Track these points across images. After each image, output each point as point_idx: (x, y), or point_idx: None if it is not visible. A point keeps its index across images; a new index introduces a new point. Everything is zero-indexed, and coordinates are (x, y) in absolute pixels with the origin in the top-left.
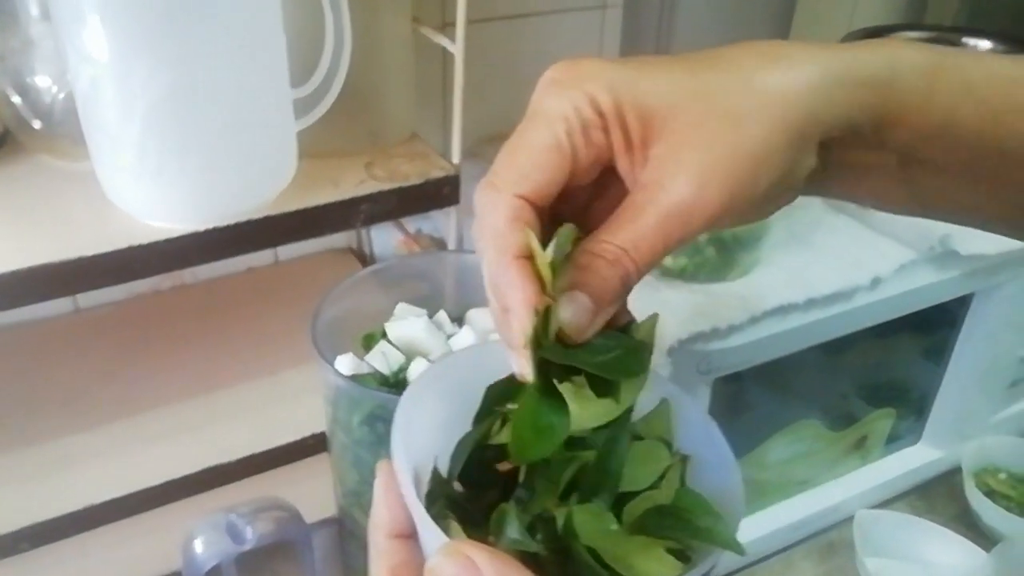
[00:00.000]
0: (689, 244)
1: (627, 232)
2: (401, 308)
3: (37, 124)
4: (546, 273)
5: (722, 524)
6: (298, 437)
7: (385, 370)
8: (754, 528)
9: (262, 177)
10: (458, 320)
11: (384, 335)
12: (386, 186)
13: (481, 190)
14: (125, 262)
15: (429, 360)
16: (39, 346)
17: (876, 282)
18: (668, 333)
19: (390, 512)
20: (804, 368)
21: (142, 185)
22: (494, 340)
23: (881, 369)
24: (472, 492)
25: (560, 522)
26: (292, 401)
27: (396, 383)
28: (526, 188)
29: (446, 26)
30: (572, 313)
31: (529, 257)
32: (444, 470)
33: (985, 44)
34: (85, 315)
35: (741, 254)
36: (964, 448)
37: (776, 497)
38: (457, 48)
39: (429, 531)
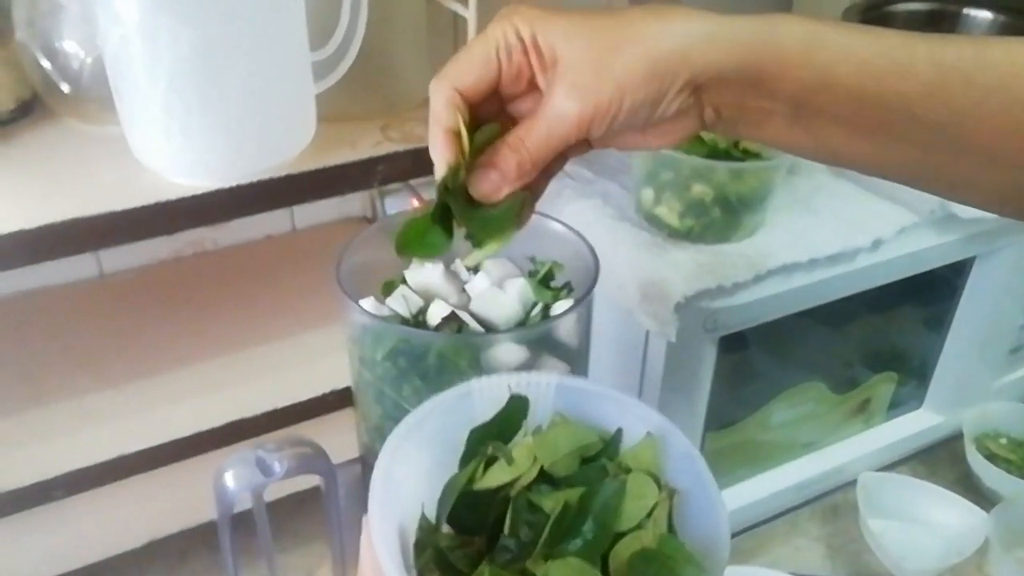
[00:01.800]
0: (696, 205)
1: (523, 129)
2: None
3: (66, 88)
4: (465, 145)
5: (702, 573)
6: (319, 393)
7: (405, 312)
8: (760, 489)
9: (283, 137)
10: (473, 268)
11: (404, 282)
12: (401, 147)
13: (432, 81)
14: (152, 218)
15: (448, 303)
16: (66, 309)
17: (877, 244)
18: (675, 290)
19: (375, 572)
20: (808, 336)
21: (168, 143)
22: (470, 388)
23: (883, 338)
24: (461, 538)
25: None
26: (312, 360)
27: (416, 324)
28: (460, 84)
29: None
30: (479, 180)
31: (456, 133)
32: (432, 515)
33: (987, 15)
34: (110, 280)
35: (746, 216)
36: (965, 413)
37: (781, 459)
38: (470, 12)
39: None
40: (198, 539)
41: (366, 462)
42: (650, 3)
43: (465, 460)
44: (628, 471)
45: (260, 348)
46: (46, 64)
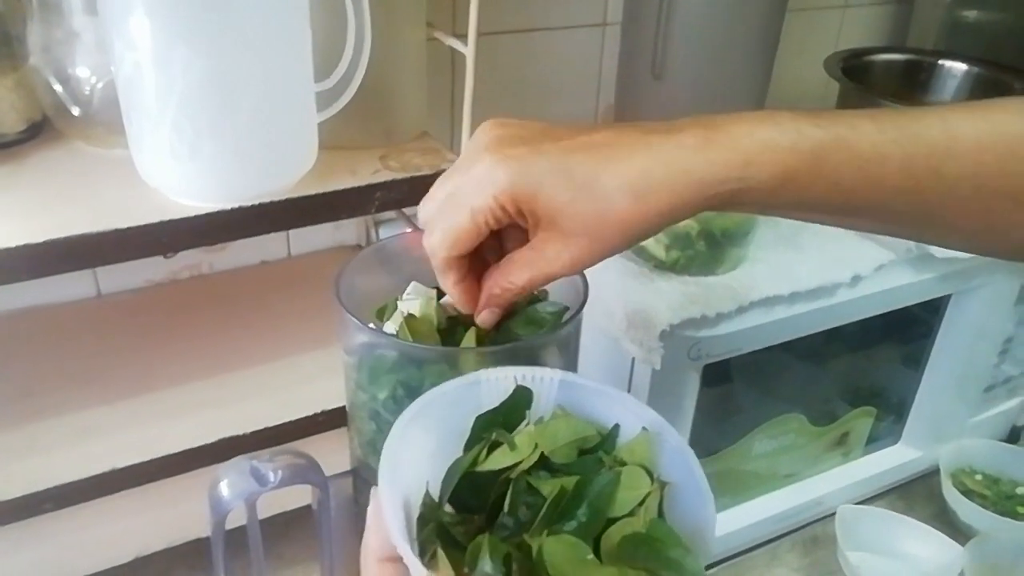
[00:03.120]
0: (682, 238)
1: (515, 270)
2: (414, 287)
3: (76, 111)
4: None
5: (691, 557)
6: (310, 412)
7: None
8: (741, 518)
9: (286, 162)
10: None
11: (396, 309)
12: (399, 176)
13: (425, 240)
14: (157, 236)
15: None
16: (63, 327)
17: (856, 280)
18: (660, 319)
19: (380, 538)
20: (789, 369)
21: (176, 165)
22: (479, 377)
23: (862, 373)
24: (462, 516)
25: (534, 552)
26: (305, 381)
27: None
28: (452, 252)
29: (458, 36)
30: (483, 320)
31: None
32: (436, 493)
33: (961, 67)
34: (107, 300)
35: (730, 249)
36: (942, 449)
37: (762, 489)
38: (468, 51)
39: (412, 564)
40: (180, 560)
41: (358, 475)
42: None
43: (470, 444)
44: (623, 464)
45: (253, 369)
46: (58, 88)
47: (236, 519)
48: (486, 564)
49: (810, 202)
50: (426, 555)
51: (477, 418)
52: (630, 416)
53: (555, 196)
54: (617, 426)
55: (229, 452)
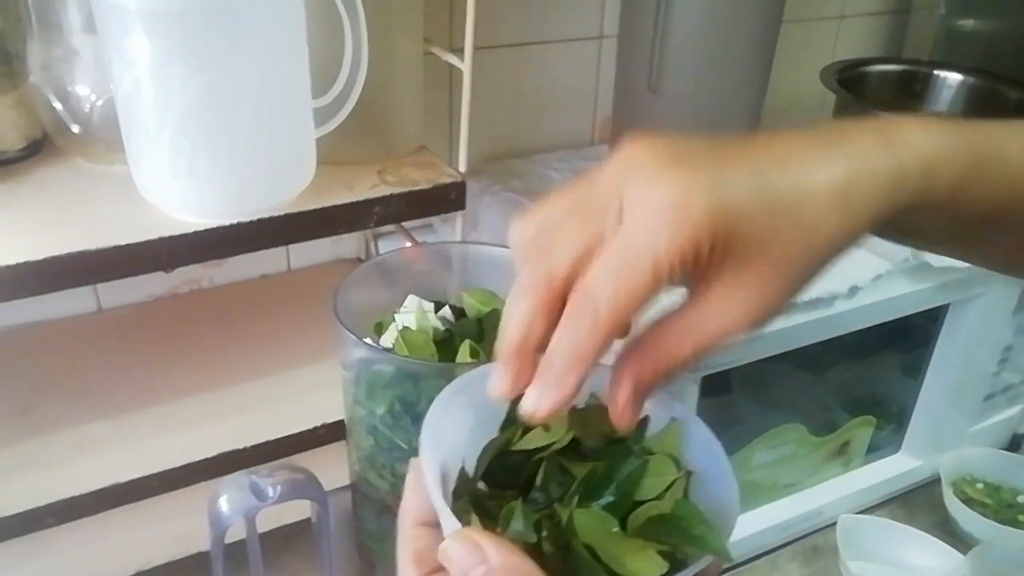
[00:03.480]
0: None
1: (681, 346)
2: (411, 300)
3: (76, 129)
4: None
5: (714, 533)
6: (310, 426)
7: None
8: (742, 528)
9: (284, 178)
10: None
11: (394, 323)
12: (397, 190)
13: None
14: (156, 252)
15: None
16: (64, 342)
17: (854, 291)
18: None
19: (418, 502)
20: (789, 380)
21: (174, 181)
22: None
23: (862, 383)
24: (494, 491)
25: (563, 520)
26: (304, 394)
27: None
28: (622, 321)
29: (455, 50)
30: (628, 413)
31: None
32: (470, 470)
33: (956, 77)
34: (107, 315)
35: None
36: (942, 458)
37: (763, 499)
38: (465, 65)
39: (447, 519)
40: (182, 573)
41: (357, 489)
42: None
43: (505, 425)
44: (651, 454)
45: (253, 382)
46: (58, 106)
47: (237, 533)
48: (518, 523)
49: (967, 215)
50: (461, 523)
51: (513, 400)
52: (658, 408)
53: (757, 219)
54: (647, 416)
55: (230, 466)
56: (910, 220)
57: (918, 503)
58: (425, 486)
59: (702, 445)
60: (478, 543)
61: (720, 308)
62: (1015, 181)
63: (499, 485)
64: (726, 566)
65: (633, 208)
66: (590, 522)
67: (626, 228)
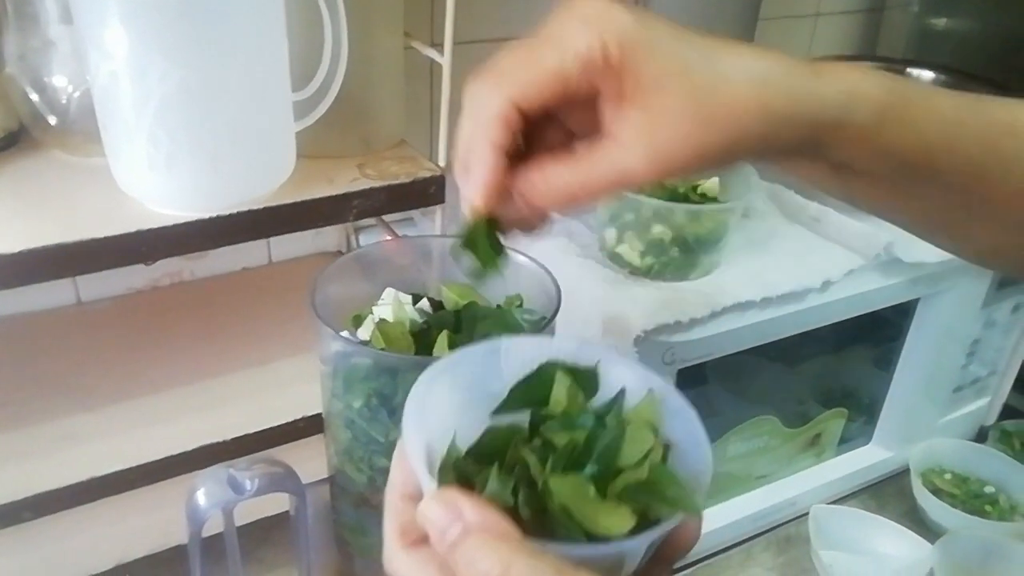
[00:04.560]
0: (656, 245)
1: (587, 171)
2: (388, 293)
3: (53, 120)
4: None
5: (686, 493)
6: (290, 419)
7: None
8: (716, 519)
9: (264, 171)
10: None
11: (371, 315)
12: (377, 184)
13: (484, 80)
14: (135, 245)
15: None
16: (43, 334)
17: (826, 285)
18: (635, 324)
19: (402, 476)
20: (763, 373)
21: (153, 174)
22: (499, 345)
23: (834, 375)
24: (480, 467)
25: (539, 484)
26: (284, 387)
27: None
28: (520, 98)
29: (435, 45)
30: (532, 217)
31: (503, 152)
32: (456, 448)
33: (928, 75)
34: (87, 308)
35: (703, 256)
36: (912, 449)
37: (737, 490)
38: (445, 60)
39: (427, 484)
40: (163, 565)
41: (335, 482)
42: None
43: (501, 410)
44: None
45: (234, 375)
46: (34, 97)
47: (215, 526)
48: (494, 484)
49: (896, 152)
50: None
51: (513, 387)
52: (637, 380)
53: (670, 58)
54: (623, 389)
55: (210, 459)
56: (840, 155)
57: (888, 493)
58: (407, 456)
59: (678, 414)
60: (455, 502)
61: (624, 144)
62: (942, 125)
63: (484, 462)
64: (699, 557)
65: (562, 18)
66: (566, 486)
67: (548, 27)
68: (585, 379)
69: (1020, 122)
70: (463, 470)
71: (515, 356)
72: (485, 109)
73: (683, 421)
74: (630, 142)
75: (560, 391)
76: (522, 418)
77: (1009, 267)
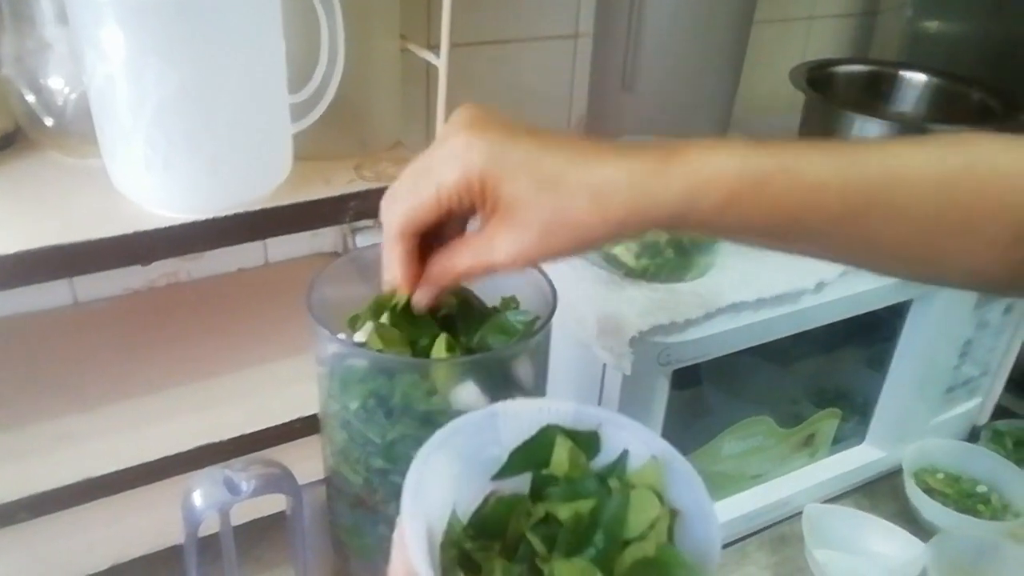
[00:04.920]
0: (651, 247)
1: (460, 259)
2: None
3: (49, 122)
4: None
5: (694, 573)
6: (286, 420)
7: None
8: None
9: (260, 172)
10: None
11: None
12: (374, 185)
13: (384, 205)
14: (131, 246)
15: None
16: (39, 335)
17: (821, 286)
18: (630, 325)
19: (403, 560)
20: (757, 373)
21: (150, 176)
22: (495, 410)
23: (828, 376)
24: (482, 543)
25: (545, 573)
26: (281, 388)
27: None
28: (409, 222)
29: (431, 47)
30: (421, 296)
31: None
32: (462, 515)
33: (921, 77)
34: (83, 308)
35: (698, 257)
36: (905, 449)
37: (731, 490)
38: (441, 62)
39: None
40: (161, 564)
41: (331, 483)
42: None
43: (502, 474)
44: (632, 488)
45: (230, 376)
46: (31, 99)
47: (212, 525)
48: None
49: (753, 226)
50: None
51: (513, 451)
52: (639, 444)
53: (521, 184)
54: (626, 451)
55: (206, 460)
56: (697, 230)
57: (881, 492)
58: (406, 545)
59: (684, 481)
60: None
61: (492, 244)
62: (803, 192)
63: (487, 536)
64: None
65: (437, 152)
66: (573, 573)
67: (427, 165)
68: (586, 442)
69: (895, 172)
70: (464, 550)
71: (513, 420)
72: (387, 228)
73: (689, 488)
74: (498, 242)
75: (561, 454)
76: (523, 482)
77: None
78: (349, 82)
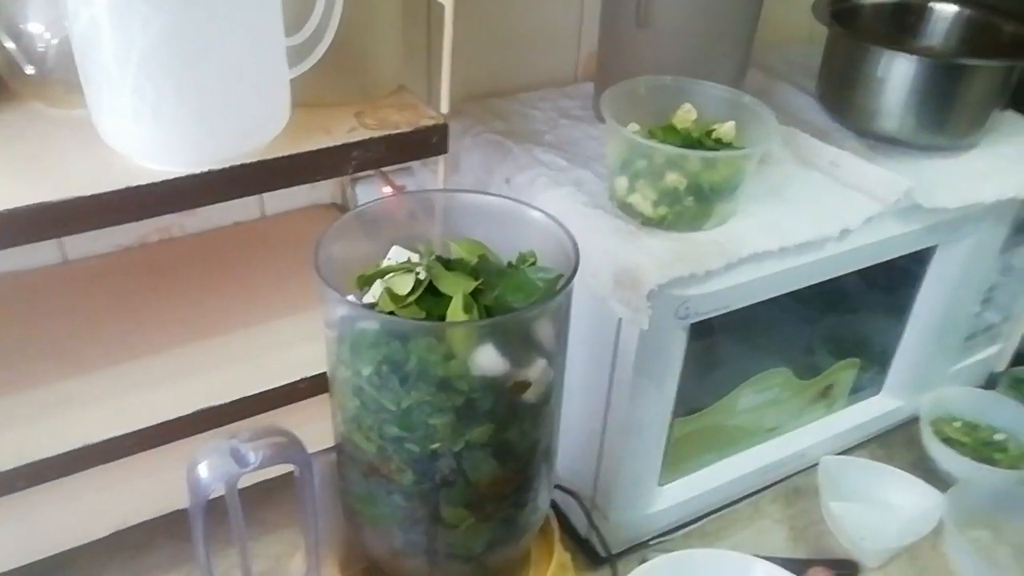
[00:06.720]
0: (669, 193)
1: None
2: (395, 250)
3: (30, 70)
4: None
5: None
6: (291, 380)
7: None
8: (725, 472)
9: (256, 122)
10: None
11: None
12: (377, 134)
13: None
14: (122, 203)
15: None
16: (28, 295)
17: (845, 233)
18: (648, 278)
19: None
20: (775, 324)
21: (139, 127)
22: None
23: (848, 325)
24: None
25: None
26: (284, 347)
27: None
28: None
29: None
30: None
31: None
32: None
33: (951, 9)
34: (74, 266)
35: (718, 204)
36: (922, 398)
37: (746, 443)
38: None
39: None
40: (162, 528)
41: (342, 451)
42: None
43: None
44: None
45: (229, 335)
46: (10, 45)
47: (217, 489)
48: None
49: None
50: None
51: None
52: None
53: None
54: None
55: (208, 423)
56: None
57: (896, 442)
58: None
59: None
60: None
61: None
62: None
63: None
64: (708, 511)
65: None
66: None
67: None
68: None
69: None
70: None
71: None
72: None
73: None
74: None
75: None
76: None
77: None
78: (349, 22)
